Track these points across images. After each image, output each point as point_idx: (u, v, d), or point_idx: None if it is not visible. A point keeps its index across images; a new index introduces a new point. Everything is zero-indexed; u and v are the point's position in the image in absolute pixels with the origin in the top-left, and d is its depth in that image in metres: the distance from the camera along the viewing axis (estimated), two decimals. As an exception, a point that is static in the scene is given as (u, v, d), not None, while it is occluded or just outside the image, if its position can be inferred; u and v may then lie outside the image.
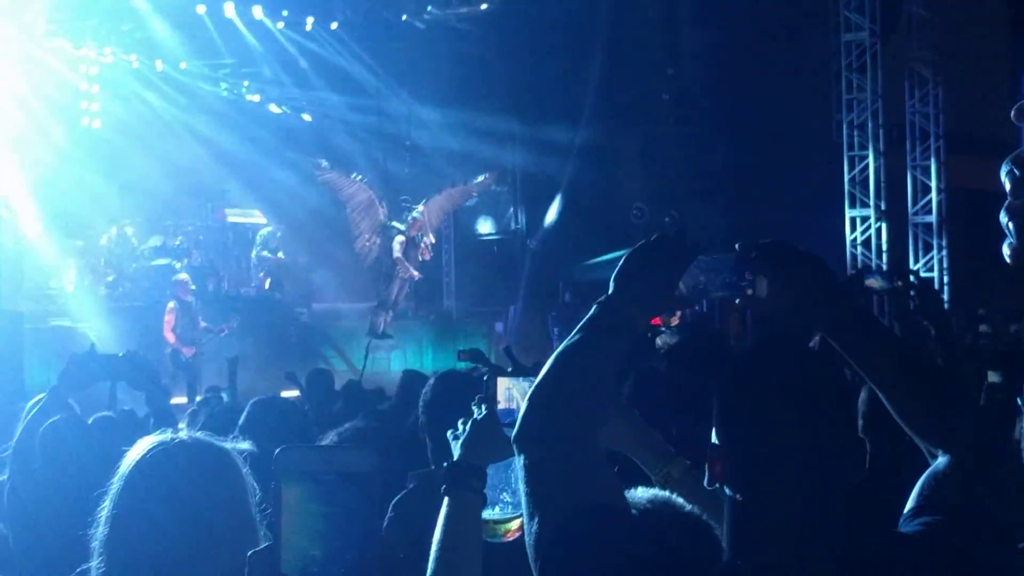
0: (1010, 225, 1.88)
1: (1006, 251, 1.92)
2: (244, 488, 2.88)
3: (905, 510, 2.61)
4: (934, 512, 2.53)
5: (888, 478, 3.35)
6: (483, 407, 3.33)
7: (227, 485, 2.85)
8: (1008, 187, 1.90)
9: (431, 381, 5.13)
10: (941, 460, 2.63)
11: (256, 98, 26.68)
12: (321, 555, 1.97)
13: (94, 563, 2.77)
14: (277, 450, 2.10)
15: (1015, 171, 1.92)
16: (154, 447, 2.86)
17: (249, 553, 2.06)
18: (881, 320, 3.45)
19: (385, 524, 4.59)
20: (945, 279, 23.81)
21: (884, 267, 23.54)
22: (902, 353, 2.72)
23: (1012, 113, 1.89)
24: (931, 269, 23.78)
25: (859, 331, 2.69)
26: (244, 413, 5.68)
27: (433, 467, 4.90)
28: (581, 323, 2.65)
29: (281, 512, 1.99)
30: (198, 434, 3.00)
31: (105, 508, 2.81)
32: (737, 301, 2.83)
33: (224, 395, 10.63)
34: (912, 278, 6.02)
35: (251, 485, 2.90)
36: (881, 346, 2.69)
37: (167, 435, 2.92)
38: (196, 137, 25.39)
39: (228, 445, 4.18)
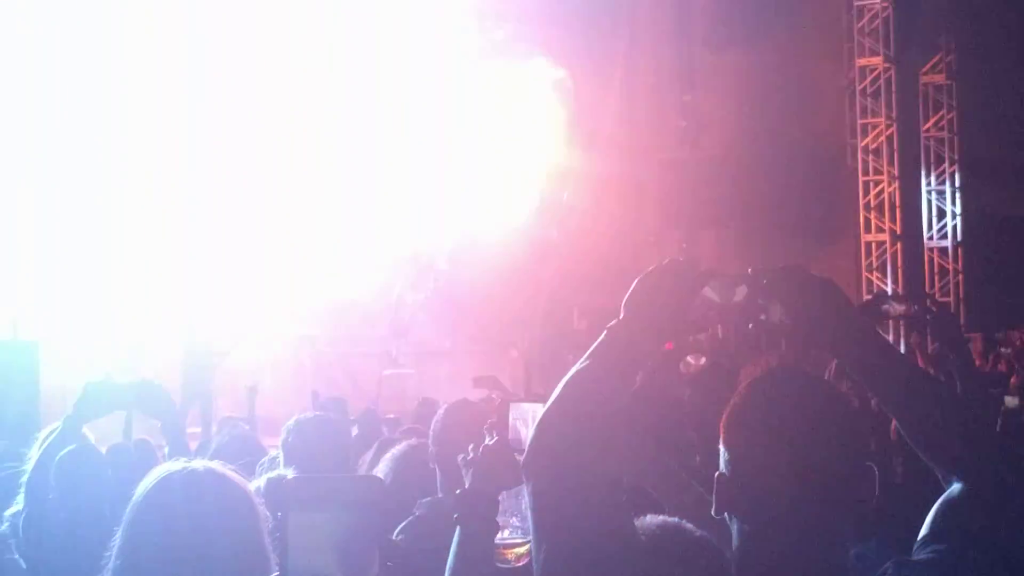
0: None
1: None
2: (255, 517, 2.87)
3: (919, 537, 2.61)
4: (947, 539, 2.52)
5: (902, 504, 3.34)
6: (494, 434, 3.33)
7: (238, 514, 2.84)
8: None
9: (441, 411, 5.15)
10: (955, 487, 2.62)
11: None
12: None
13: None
14: (285, 479, 2.11)
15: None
16: (164, 477, 2.86)
17: None
18: (894, 345, 3.44)
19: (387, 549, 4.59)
20: (961, 304, 23.75)
21: (900, 292, 23.47)
22: (916, 378, 2.71)
23: None
24: (947, 294, 23.72)
25: (872, 356, 2.67)
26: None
27: (441, 495, 4.92)
28: (591, 349, 2.64)
29: (289, 540, 1.99)
30: (211, 463, 2.99)
31: (117, 538, 2.81)
32: (750, 326, 2.82)
33: (245, 425, 10.61)
34: (929, 303, 5.99)
35: (263, 514, 2.89)
36: (895, 371, 2.68)
37: (179, 464, 2.91)
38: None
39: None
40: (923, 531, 2.62)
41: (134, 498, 2.86)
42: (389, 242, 23.36)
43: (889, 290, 23.65)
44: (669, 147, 26.41)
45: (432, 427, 5.18)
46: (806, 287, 2.72)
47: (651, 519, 2.75)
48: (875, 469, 2.43)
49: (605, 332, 2.66)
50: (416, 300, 23.02)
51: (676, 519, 2.85)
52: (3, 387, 13.67)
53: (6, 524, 4.89)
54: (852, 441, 2.45)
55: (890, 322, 19.50)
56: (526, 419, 3.47)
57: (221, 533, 2.79)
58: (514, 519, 3.43)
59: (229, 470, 2.95)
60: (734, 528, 2.45)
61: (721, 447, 2.48)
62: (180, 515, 2.79)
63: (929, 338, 5.98)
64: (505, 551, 3.45)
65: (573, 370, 2.62)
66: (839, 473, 2.38)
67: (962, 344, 5.91)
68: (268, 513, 2.89)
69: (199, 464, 2.93)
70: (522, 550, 3.46)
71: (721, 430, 2.50)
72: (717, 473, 2.47)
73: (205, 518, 2.79)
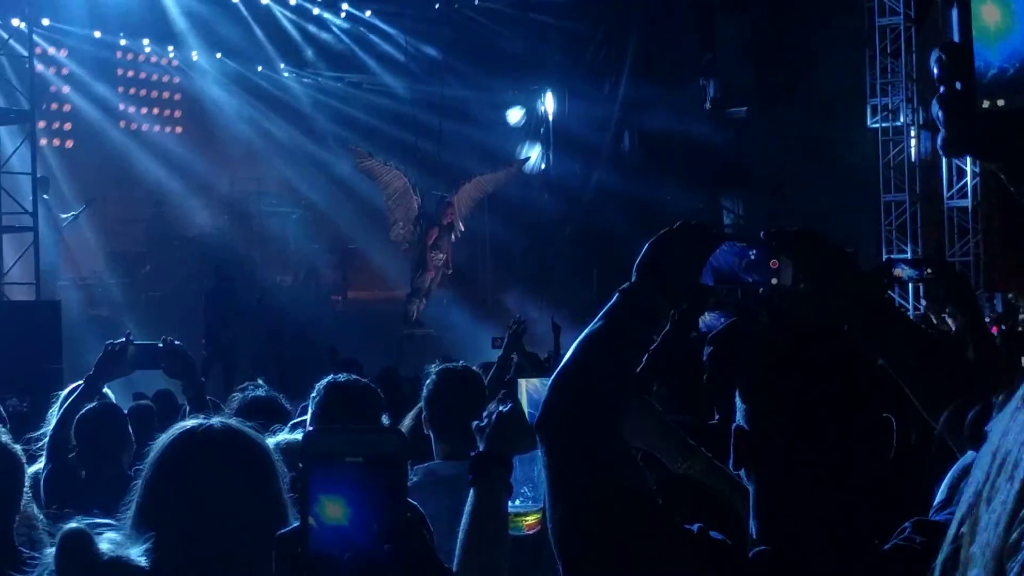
0: (940, 115, 1.87)
1: (939, 143, 1.92)
2: (274, 474, 2.90)
3: (935, 502, 2.62)
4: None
5: (919, 468, 3.35)
6: (508, 401, 3.36)
7: (256, 471, 2.86)
8: (936, 75, 1.89)
9: (432, 376, 5.16)
10: (970, 453, 2.62)
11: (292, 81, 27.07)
12: (348, 537, 2.00)
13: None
14: (304, 433, 2.13)
15: (943, 57, 1.91)
16: (182, 432, 2.89)
17: (277, 534, 2.09)
18: (905, 313, 3.43)
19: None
20: (981, 263, 23.67)
21: (919, 253, 23.42)
22: (926, 346, 2.71)
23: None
24: (967, 254, 23.63)
25: (883, 324, 2.68)
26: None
27: (438, 461, 4.95)
28: (603, 310, 2.65)
29: (309, 494, 2.01)
30: (229, 420, 3.02)
31: (136, 494, 2.84)
32: (760, 291, 2.83)
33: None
34: (940, 266, 5.96)
35: (282, 471, 2.92)
36: (905, 339, 2.68)
37: (196, 422, 2.94)
38: (238, 122, 25.86)
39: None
40: (939, 495, 2.62)
41: (152, 455, 2.89)
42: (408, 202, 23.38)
43: (908, 250, 23.61)
44: (688, 107, 26.33)
45: (424, 391, 5.20)
46: (818, 251, 2.73)
47: (657, 475, 2.76)
48: (892, 420, 2.43)
49: (617, 294, 2.67)
50: (438, 260, 23.06)
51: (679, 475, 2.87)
52: (26, 346, 13.80)
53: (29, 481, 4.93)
54: (869, 392, 2.44)
55: (910, 286, 19.44)
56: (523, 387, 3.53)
57: (238, 490, 2.81)
58: (525, 488, 3.47)
59: (247, 427, 2.97)
60: (752, 484, 2.46)
61: (738, 402, 2.49)
62: (197, 472, 2.81)
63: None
64: (516, 518, 3.48)
65: (586, 330, 2.63)
66: (856, 425, 2.39)
67: (975, 308, 5.88)
68: (286, 470, 2.92)
69: (216, 421, 2.95)
70: (532, 519, 3.50)
71: (738, 384, 2.50)
72: (735, 426, 2.48)
73: (221, 475, 2.82)
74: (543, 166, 27.92)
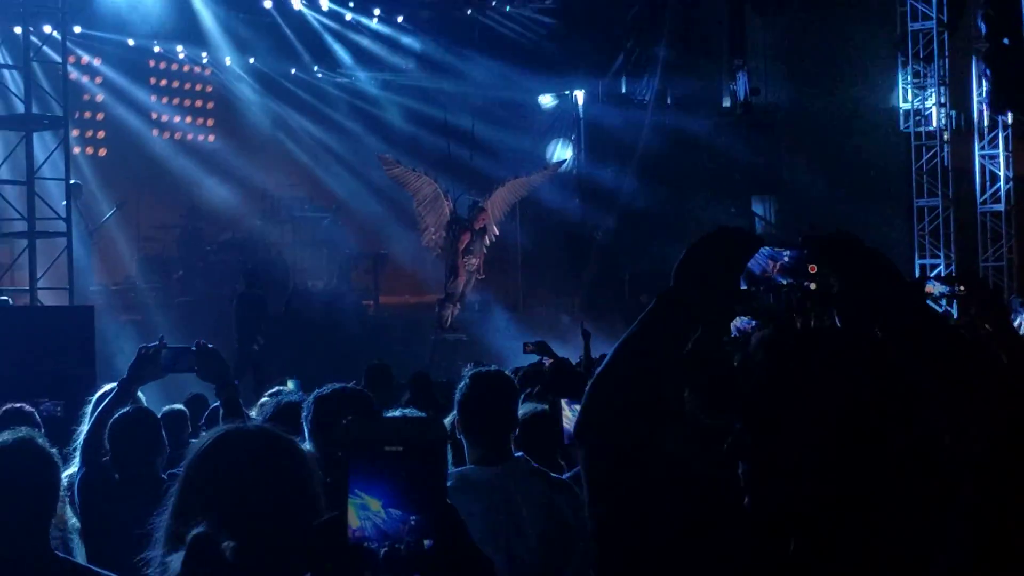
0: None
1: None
2: (310, 476, 2.90)
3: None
4: None
5: (952, 473, 3.32)
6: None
7: (291, 473, 2.87)
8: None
9: (465, 381, 5.16)
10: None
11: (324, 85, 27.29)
12: (387, 527, 1.99)
13: (160, 551, 2.80)
14: (344, 421, 2.11)
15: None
16: (218, 436, 2.89)
17: (314, 523, 2.08)
18: (944, 317, 3.41)
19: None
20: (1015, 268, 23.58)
21: (952, 258, 23.36)
22: (963, 351, 2.68)
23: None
24: (1000, 259, 23.53)
25: (920, 327, 2.65)
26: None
27: (470, 465, 4.95)
28: (641, 316, 2.64)
29: (347, 483, 2.00)
30: (264, 424, 3.02)
31: (171, 498, 2.85)
32: (798, 295, 2.82)
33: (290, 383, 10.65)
34: (969, 280, 5.94)
35: (317, 473, 2.92)
36: (942, 343, 2.65)
37: (232, 425, 2.95)
38: (270, 126, 26.08)
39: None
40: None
41: (187, 458, 2.90)
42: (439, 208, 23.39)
43: (941, 255, 23.55)
44: (720, 111, 26.30)
45: (456, 396, 5.20)
46: (857, 257, 2.70)
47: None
48: (924, 426, 2.40)
49: (655, 299, 2.64)
50: (471, 265, 23.05)
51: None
52: (60, 350, 13.87)
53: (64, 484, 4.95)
54: (898, 397, 2.41)
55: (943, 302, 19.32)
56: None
57: (273, 491, 2.81)
58: None
59: (281, 431, 2.98)
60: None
61: (757, 408, 2.46)
62: (233, 474, 2.82)
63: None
64: None
65: (624, 336, 2.61)
66: (883, 430, 2.37)
67: (1006, 323, 5.87)
68: (320, 472, 2.92)
69: (252, 425, 2.97)
70: None
71: (759, 390, 2.47)
72: (751, 430, 2.45)
73: (257, 476, 2.82)
74: (574, 171, 27.95)
